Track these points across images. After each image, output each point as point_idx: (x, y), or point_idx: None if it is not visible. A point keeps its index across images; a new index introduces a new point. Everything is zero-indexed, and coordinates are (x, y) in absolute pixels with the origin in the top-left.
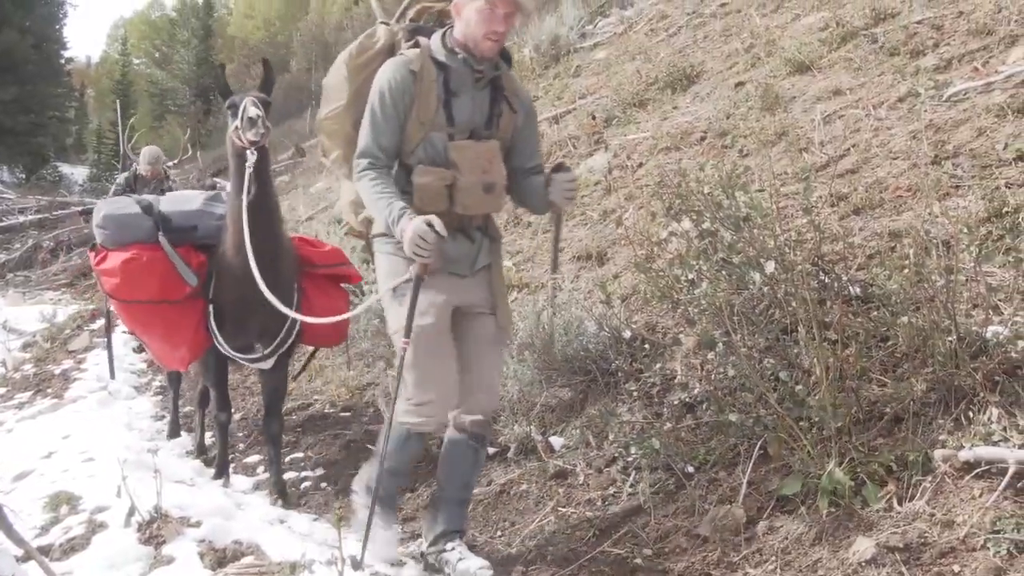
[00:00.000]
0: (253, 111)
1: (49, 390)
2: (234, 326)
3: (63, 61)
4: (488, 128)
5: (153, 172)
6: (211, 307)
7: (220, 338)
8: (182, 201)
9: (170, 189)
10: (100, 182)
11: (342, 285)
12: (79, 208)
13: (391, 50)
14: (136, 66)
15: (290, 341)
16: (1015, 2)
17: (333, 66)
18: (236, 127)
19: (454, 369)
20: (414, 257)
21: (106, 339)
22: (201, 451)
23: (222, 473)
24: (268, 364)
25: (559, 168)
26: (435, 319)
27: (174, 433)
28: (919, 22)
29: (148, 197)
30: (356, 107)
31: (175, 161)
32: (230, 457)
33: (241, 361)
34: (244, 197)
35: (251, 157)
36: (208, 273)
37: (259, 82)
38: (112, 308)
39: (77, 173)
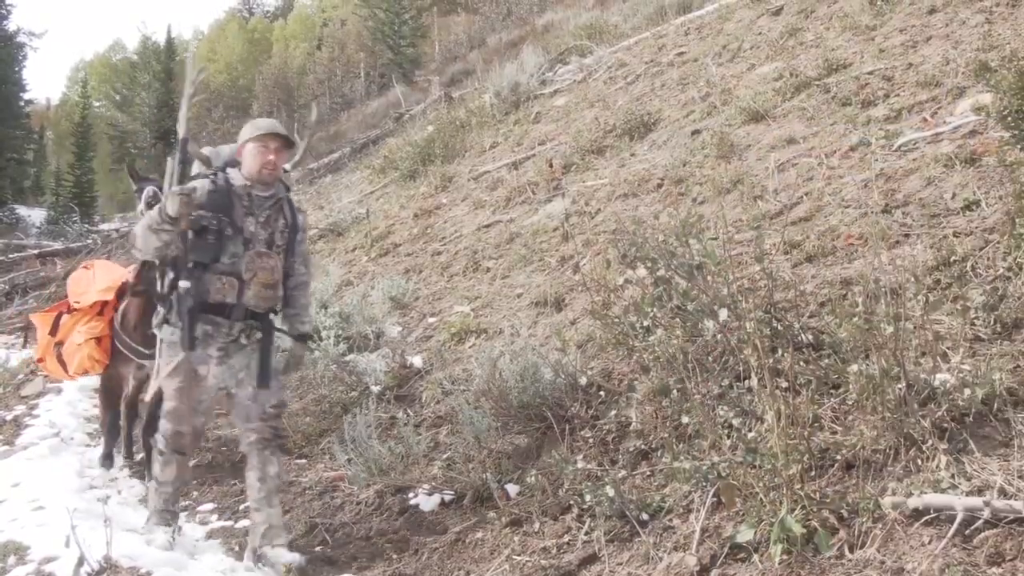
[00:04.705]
0: None
1: (0, 436)
2: None
3: (22, 103)
4: None
5: (274, 168)
6: None
7: None
8: None
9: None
10: (58, 224)
11: None
12: (36, 251)
13: None
14: (96, 108)
15: None
16: (962, 55)
17: None
18: None
19: None
20: None
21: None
22: None
23: None
24: None
25: None
26: None
27: None
28: (870, 73)
29: None
30: None
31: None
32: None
33: None
34: None
35: None
36: None
37: None
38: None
39: (35, 215)
